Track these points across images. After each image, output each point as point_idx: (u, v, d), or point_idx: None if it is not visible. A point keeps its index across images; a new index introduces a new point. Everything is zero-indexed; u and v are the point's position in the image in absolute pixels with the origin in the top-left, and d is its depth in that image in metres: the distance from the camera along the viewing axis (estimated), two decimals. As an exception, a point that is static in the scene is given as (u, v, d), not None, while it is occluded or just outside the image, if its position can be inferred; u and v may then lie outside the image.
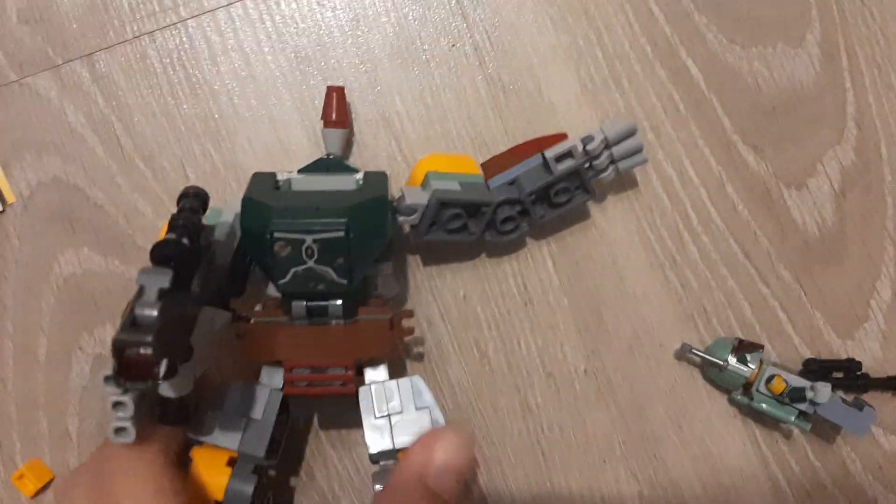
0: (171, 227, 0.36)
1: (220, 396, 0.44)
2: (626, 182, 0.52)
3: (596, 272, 0.52)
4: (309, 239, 0.39)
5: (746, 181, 0.52)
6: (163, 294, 0.32)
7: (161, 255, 0.34)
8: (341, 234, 0.39)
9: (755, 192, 0.52)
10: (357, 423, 0.51)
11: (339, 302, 0.42)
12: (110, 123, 0.51)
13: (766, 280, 0.52)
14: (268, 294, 0.45)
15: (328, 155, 0.47)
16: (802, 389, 0.48)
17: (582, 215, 0.52)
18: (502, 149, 0.50)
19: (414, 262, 0.52)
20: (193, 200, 0.38)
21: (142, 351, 0.31)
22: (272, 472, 0.51)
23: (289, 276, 0.40)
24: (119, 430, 0.38)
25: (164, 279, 0.32)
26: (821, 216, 0.53)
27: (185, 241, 0.35)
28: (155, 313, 0.31)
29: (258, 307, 0.44)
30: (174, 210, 0.38)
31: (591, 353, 0.52)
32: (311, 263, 0.40)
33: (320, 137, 0.49)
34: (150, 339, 0.30)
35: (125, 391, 0.36)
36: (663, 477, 0.52)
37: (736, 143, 0.52)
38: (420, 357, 0.52)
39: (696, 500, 0.52)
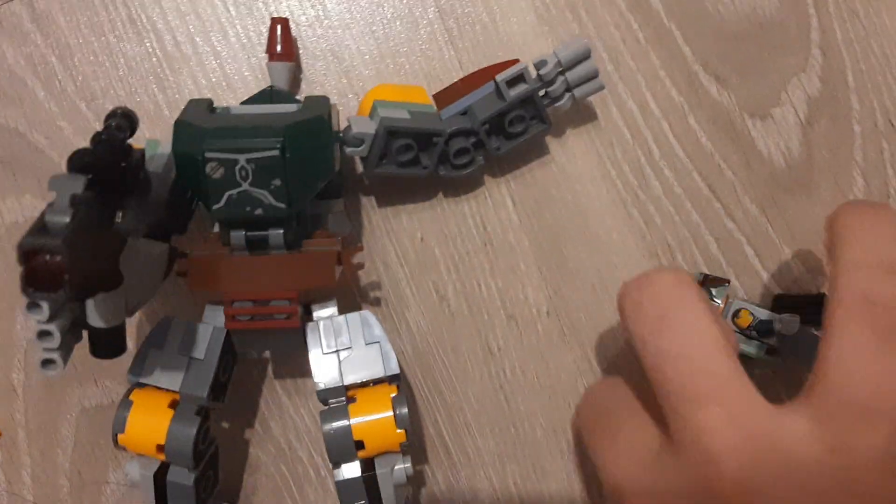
0: (93, 141, 0.34)
1: (161, 336, 0.43)
2: (585, 116, 0.51)
3: (556, 210, 0.50)
4: (242, 159, 0.37)
5: (709, 112, 0.51)
6: (76, 201, 0.30)
7: (77, 163, 0.32)
8: (276, 153, 0.37)
9: (719, 124, 0.51)
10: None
11: (280, 231, 0.40)
12: (51, 65, 0.49)
13: (732, 214, 0.51)
14: (213, 231, 0.43)
15: (272, 87, 0.46)
16: (770, 322, 0.47)
17: (541, 151, 0.50)
18: (457, 84, 0.49)
19: (368, 203, 0.50)
20: (120, 119, 0.36)
21: (49, 258, 0.29)
22: (226, 424, 0.49)
23: (223, 201, 0.38)
24: (46, 363, 0.36)
25: (76, 185, 0.30)
26: (787, 147, 0.51)
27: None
28: (66, 219, 0.29)
29: (203, 241, 0.42)
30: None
31: (553, 293, 0.50)
32: (245, 186, 0.38)
33: (267, 74, 0.48)
34: (58, 242, 0.29)
35: (51, 319, 0.34)
36: (631, 420, 0.50)
37: (698, 73, 0.51)
38: (377, 302, 0.50)
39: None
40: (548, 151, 0.50)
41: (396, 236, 0.50)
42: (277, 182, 0.38)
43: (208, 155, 0.37)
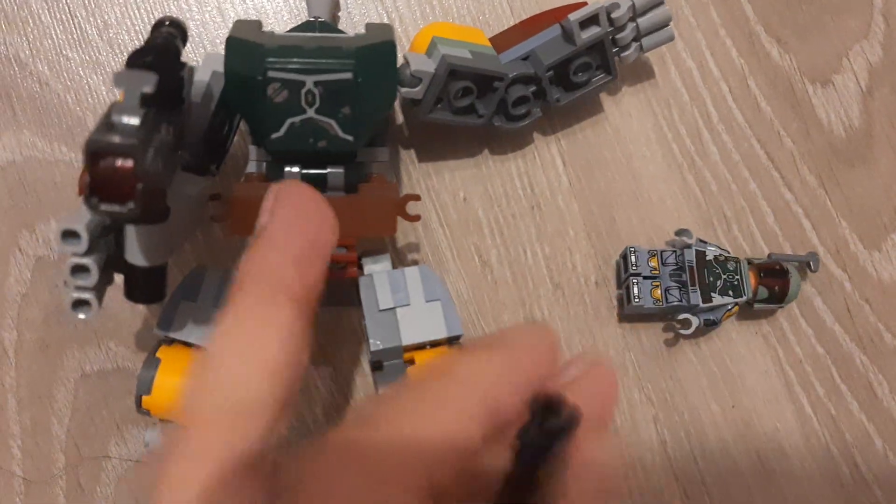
0: (147, 45, 0.30)
1: (195, 287, 0.38)
2: (642, 74, 0.47)
3: (609, 173, 0.47)
4: (310, 81, 0.33)
5: (769, 75, 0.48)
6: (146, 100, 0.25)
7: (138, 62, 0.27)
8: (348, 75, 0.33)
9: (779, 88, 0.48)
10: (340, 337, 0.45)
11: (341, 169, 0.36)
12: (58, -13, 0.44)
13: (790, 184, 0.48)
14: (248, 172, 0.39)
15: (316, 18, 0.41)
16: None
17: (595, 110, 0.47)
18: (509, 32, 0.45)
19: (408, 157, 0.46)
20: (171, 27, 0.32)
21: (120, 163, 0.24)
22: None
23: (284, 129, 0.34)
24: (79, 304, 0.31)
25: (147, 82, 0.25)
26: (847, 116, 0.49)
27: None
28: (137, 120, 0.25)
29: (241, 181, 0.37)
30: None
31: (602, 262, 0.47)
32: (311, 113, 0.34)
33: (303, 5, 0.43)
34: (134, 143, 0.24)
35: (88, 252, 0.30)
36: (680, 400, 0.47)
37: (759, 34, 0.48)
38: (415, 265, 0.46)
39: (714, 427, 0.47)
40: (602, 109, 0.47)
41: (437, 194, 0.46)
42: (347, 110, 0.34)
43: (271, 75, 0.33)
